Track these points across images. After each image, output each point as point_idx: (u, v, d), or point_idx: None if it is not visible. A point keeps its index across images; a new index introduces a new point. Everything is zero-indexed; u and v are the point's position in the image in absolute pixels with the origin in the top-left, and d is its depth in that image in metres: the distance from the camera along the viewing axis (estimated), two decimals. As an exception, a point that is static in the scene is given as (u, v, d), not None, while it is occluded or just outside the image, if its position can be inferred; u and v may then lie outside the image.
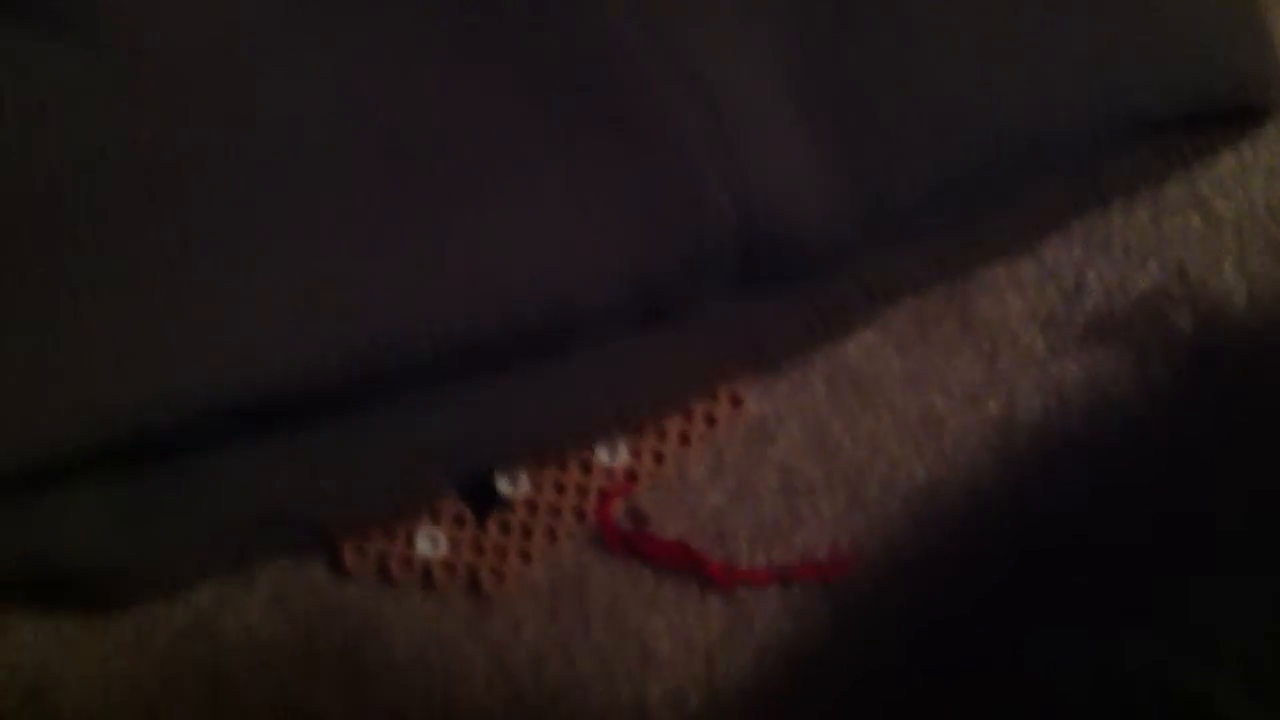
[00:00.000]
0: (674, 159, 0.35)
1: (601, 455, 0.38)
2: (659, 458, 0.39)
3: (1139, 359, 0.40)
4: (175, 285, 0.34)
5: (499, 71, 0.35)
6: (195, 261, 0.34)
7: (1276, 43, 0.39)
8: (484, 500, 0.38)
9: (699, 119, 0.35)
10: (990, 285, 0.40)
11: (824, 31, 0.36)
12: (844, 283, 0.38)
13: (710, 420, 0.39)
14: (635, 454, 0.38)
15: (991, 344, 0.40)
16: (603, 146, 0.35)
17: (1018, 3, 0.37)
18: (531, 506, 0.38)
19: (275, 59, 0.35)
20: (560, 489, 0.38)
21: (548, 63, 0.35)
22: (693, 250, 0.35)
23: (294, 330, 0.34)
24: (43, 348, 0.33)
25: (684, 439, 0.39)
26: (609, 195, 0.35)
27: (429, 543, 0.38)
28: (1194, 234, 0.41)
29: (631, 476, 0.38)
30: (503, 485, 0.38)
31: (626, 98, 0.35)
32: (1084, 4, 0.37)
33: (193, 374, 0.33)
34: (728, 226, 0.35)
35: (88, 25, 0.34)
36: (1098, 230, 0.41)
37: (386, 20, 0.36)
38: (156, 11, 0.35)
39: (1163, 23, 0.37)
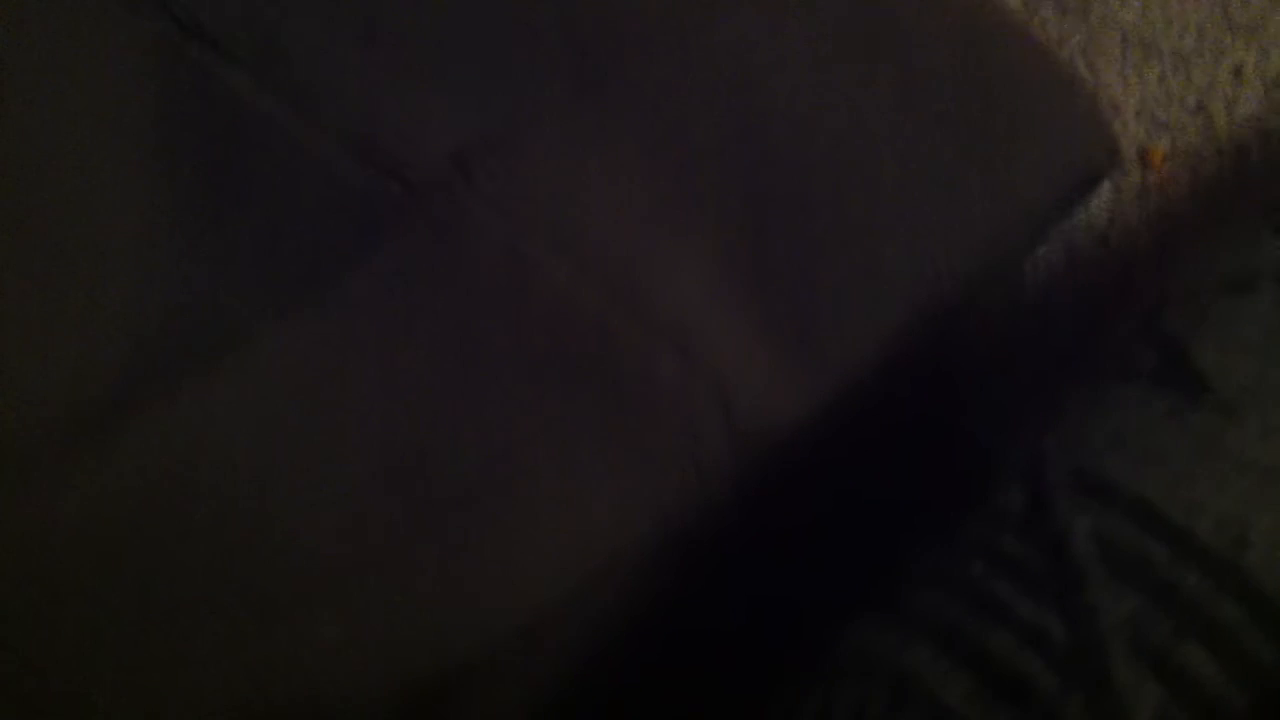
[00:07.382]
0: (661, 403, 0.36)
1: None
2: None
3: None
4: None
5: (494, 364, 0.35)
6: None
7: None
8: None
9: (673, 356, 0.36)
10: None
11: (751, 235, 0.37)
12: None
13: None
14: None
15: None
16: (597, 411, 0.36)
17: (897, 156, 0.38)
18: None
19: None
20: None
21: (533, 350, 0.36)
22: (697, 477, 0.36)
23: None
24: None
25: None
26: (612, 451, 0.36)
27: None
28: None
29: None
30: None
31: (606, 358, 0.36)
32: (946, 154, 0.39)
33: None
34: (721, 445, 0.36)
35: None
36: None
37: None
38: None
39: (1014, 138, 0.39)
